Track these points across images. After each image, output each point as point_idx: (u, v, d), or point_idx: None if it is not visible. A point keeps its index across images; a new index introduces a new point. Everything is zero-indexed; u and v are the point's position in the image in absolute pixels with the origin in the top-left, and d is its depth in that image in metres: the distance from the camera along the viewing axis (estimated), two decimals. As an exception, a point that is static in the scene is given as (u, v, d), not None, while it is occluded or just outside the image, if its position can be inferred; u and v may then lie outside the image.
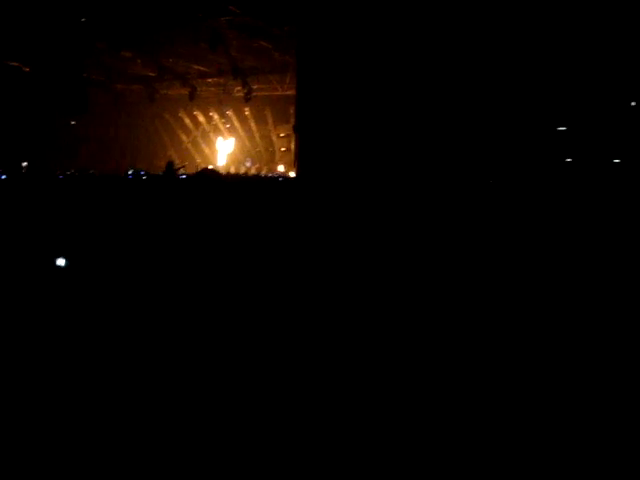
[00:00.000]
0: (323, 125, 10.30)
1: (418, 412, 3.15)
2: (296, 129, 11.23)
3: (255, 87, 20.69)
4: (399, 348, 4.09)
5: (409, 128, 9.39)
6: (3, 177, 11.34)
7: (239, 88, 20.85)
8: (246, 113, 23.14)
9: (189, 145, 25.61)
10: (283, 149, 23.17)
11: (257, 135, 24.09)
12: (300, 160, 10.83)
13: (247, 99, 20.74)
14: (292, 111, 16.91)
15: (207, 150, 25.74)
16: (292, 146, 19.04)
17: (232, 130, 24.66)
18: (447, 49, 9.09)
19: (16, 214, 8.13)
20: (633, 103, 8.46)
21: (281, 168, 22.89)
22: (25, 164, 21.10)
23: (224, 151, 25.46)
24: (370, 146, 9.90)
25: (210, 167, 14.77)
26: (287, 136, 21.72)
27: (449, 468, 2.64)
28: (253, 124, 23.60)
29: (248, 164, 24.02)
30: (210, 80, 21.37)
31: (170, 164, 11.75)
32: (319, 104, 10.51)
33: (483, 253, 6.26)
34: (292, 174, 17.71)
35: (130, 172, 15.13)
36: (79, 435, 2.85)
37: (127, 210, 8.58)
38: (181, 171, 13.59)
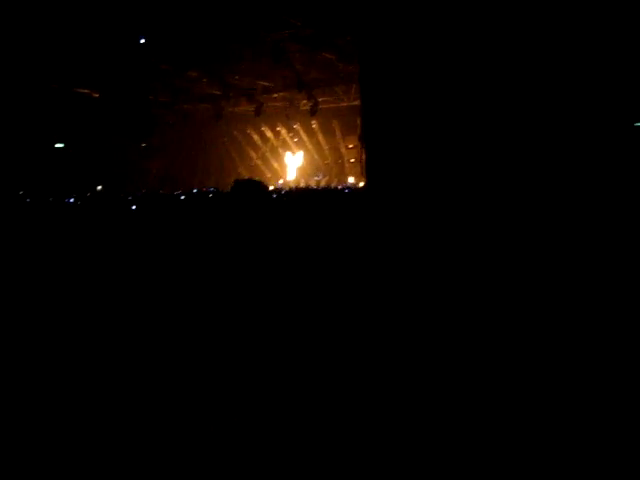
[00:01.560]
0: (391, 133, 9.91)
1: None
2: (363, 139, 10.87)
3: (321, 99, 20.46)
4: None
5: (482, 135, 8.90)
6: (71, 200, 11.43)
7: (305, 101, 20.64)
8: (313, 126, 22.96)
9: (258, 161, 25.56)
10: (352, 160, 22.88)
11: (325, 147, 23.89)
12: (368, 170, 10.47)
13: (313, 112, 20.51)
14: (359, 122, 16.56)
15: (276, 165, 25.67)
16: (361, 157, 18.73)
17: (300, 144, 24.52)
18: (519, 53, 8.58)
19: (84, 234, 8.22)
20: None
21: (351, 179, 22.62)
22: (99, 188, 21.52)
23: (293, 165, 25.34)
24: (440, 153, 9.45)
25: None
26: (356, 147, 21.35)
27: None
28: (321, 137, 23.41)
29: (318, 177, 23.85)
30: (276, 95, 21.21)
31: (237, 183, 11.60)
32: (385, 112, 10.13)
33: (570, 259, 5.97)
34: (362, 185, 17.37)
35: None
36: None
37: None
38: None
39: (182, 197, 13.91)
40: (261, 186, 11.43)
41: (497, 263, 6.14)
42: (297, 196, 12.06)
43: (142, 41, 15.01)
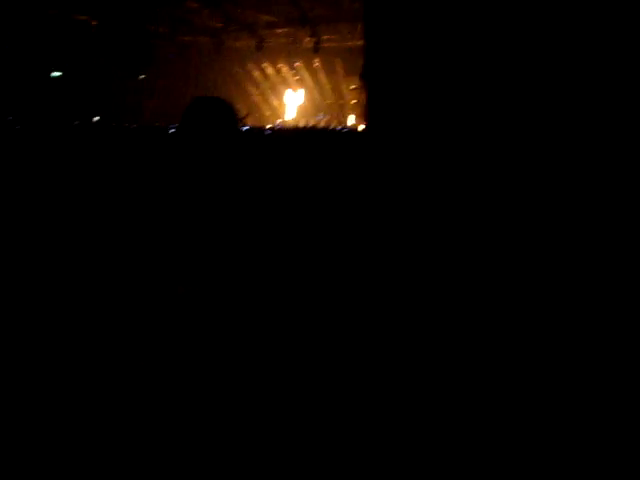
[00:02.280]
0: (393, 75, 9.58)
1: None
2: (364, 76, 10.53)
3: (325, 37, 19.93)
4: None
5: (488, 90, 8.63)
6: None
7: (308, 38, 20.13)
8: (316, 65, 22.46)
9: (257, 98, 25.09)
10: (354, 101, 22.45)
11: (327, 87, 23.44)
12: (370, 111, 10.17)
13: (316, 50, 20.03)
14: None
15: (276, 103, 25.21)
16: (362, 98, 18.42)
17: (301, 82, 24.03)
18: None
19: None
20: None
21: (352, 120, 22.32)
22: (97, 119, 21.10)
23: (293, 104, 24.90)
24: (444, 99, 9.18)
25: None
26: (358, 88, 20.94)
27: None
28: (323, 76, 22.93)
29: (318, 117, 23.50)
30: (279, 31, 20.66)
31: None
32: (388, 52, 9.78)
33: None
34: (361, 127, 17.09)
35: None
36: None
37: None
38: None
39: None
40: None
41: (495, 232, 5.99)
42: (286, 136, 11.70)
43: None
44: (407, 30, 9.74)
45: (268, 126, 20.81)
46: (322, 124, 22.62)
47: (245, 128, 12.16)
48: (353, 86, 22.02)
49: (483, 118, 8.60)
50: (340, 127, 18.98)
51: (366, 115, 11.06)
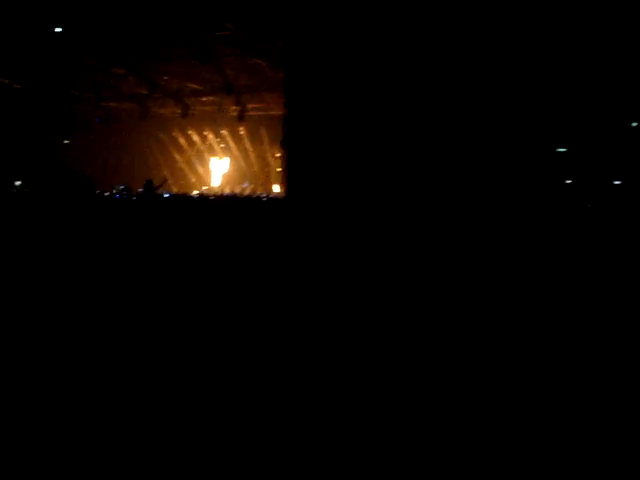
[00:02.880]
0: (313, 140, 9.85)
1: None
2: (284, 144, 10.77)
3: (250, 106, 20.32)
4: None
5: (401, 144, 8.98)
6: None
7: (234, 107, 20.44)
8: (241, 133, 22.75)
9: (183, 165, 25.11)
10: (279, 169, 22.71)
11: (252, 155, 23.70)
12: (289, 177, 10.37)
13: (241, 118, 20.34)
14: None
15: (202, 170, 25.28)
16: (283, 164, 18.70)
17: (227, 150, 24.26)
18: (435, 66, 8.74)
19: None
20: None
21: (277, 189, 22.47)
22: (18, 183, 20.68)
23: (219, 171, 25.00)
24: (362, 162, 9.45)
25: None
26: (283, 156, 21.23)
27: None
28: (248, 144, 23.22)
29: (244, 185, 23.60)
30: (204, 99, 20.93)
31: (149, 183, 11.24)
32: (307, 120, 10.09)
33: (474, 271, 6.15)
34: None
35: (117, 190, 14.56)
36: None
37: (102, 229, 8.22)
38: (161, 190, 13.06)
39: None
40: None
41: (418, 266, 6.19)
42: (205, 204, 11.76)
43: (58, 30, 14.47)
44: (324, 101, 10.05)
45: (194, 193, 20.87)
46: (247, 192, 22.75)
47: (166, 195, 12.18)
48: (278, 154, 22.35)
49: (389, 189, 8.87)
50: (260, 194, 19.23)
51: (285, 181, 11.25)
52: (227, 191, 22.76)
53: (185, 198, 13.53)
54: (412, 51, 8.78)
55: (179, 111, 21.47)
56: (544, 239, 6.97)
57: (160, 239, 8.03)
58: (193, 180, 24.97)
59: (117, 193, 12.24)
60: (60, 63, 17.42)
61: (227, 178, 24.86)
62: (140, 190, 11.83)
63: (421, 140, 8.77)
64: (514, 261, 6.36)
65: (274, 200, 13.04)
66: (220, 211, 10.59)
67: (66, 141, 22.98)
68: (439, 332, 4.47)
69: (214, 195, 17.11)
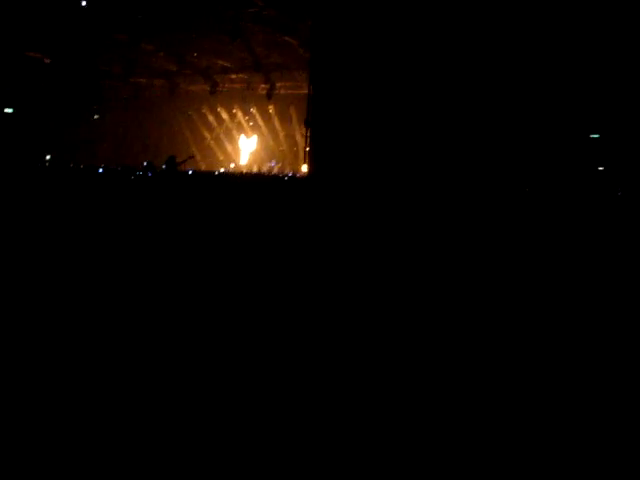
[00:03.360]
0: (336, 119, 9.75)
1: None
2: (308, 123, 10.67)
3: (279, 84, 20.15)
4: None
5: (422, 126, 8.86)
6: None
7: (263, 85, 20.28)
8: (270, 111, 22.58)
9: (211, 142, 25.04)
10: (307, 149, 22.52)
11: (281, 134, 23.53)
12: (313, 157, 10.27)
13: (269, 96, 20.20)
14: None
15: (230, 148, 25.19)
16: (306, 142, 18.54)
17: (256, 128, 24.10)
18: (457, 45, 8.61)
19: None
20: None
21: (305, 168, 22.32)
22: (49, 157, 20.80)
23: (247, 149, 24.88)
24: (385, 142, 9.33)
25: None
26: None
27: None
28: (277, 122, 23.04)
29: (272, 164, 23.48)
30: (234, 76, 20.81)
31: (171, 158, 11.14)
32: (333, 98, 10.01)
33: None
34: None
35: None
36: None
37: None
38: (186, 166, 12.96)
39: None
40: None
41: (436, 251, 6.14)
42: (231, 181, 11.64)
43: (84, 3, 14.40)
44: (349, 81, 9.93)
45: (221, 170, 20.79)
46: (275, 170, 22.63)
47: (190, 171, 12.08)
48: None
49: (407, 174, 8.77)
50: (287, 173, 19.09)
51: (309, 160, 11.14)
52: (255, 169, 22.67)
53: (207, 175, 13.39)
54: (432, 35, 8.65)
55: (208, 88, 21.39)
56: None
57: (180, 216, 7.99)
58: (221, 158, 24.90)
59: (140, 170, 12.17)
60: (90, 38, 17.39)
61: (255, 156, 24.75)
62: (163, 166, 11.75)
63: (441, 121, 8.65)
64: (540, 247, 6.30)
65: (297, 179, 12.88)
66: (243, 189, 10.46)
67: (96, 116, 23.06)
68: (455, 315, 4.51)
69: (238, 173, 17.01)
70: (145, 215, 8.01)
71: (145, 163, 13.25)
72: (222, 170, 21.00)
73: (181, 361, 3.63)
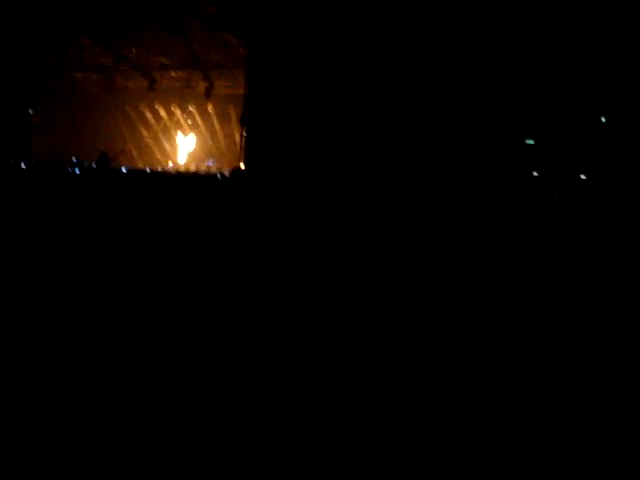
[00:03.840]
0: (273, 118, 9.78)
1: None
2: (244, 121, 10.71)
3: (219, 83, 20.03)
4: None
5: (358, 127, 8.97)
6: None
7: (201, 83, 20.15)
8: (209, 110, 22.46)
9: (149, 140, 24.74)
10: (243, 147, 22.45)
11: (220, 133, 23.40)
12: (247, 155, 10.28)
13: (208, 94, 20.08)
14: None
15: (168, 146, 24.92)
16: (240, 142, 18.51)
17: (194, 127, 23.91)
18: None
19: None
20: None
21: (242, 166, 22.24)
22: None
23: (185, 148, 24.68)
24: (319, 140, 9.39)
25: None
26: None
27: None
28: (216, 122, 22.93)
29: (209, 163, 23.34)
30: (172, 74, 20.57)
31: (103, 155, 10.98)
32: (269, 96, 10.03)
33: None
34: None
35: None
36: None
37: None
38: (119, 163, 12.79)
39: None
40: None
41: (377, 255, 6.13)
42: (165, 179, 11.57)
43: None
44: (286, 81, 9.95)
45: (159, 169, 20.57)
46: (213, 170, 22.50)
47: (123, 169, 11.93)
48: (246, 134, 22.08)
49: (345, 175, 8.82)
50: (219, 172, 19.01)
51: (244, 159, 11.14)
52: (192, 168, 22.49)
53: (141, 174, 13.26)
54: (368, 33, 8.75)
55: (146, 85, 21.12)
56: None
57: (111, 217, 7.85)
58: (159, 156, 24.61)
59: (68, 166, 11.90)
60: (25, 30, 17.00)
61: (193, 155, 24.54)
62: (93, 163, 11.54)
63: (381, 124, 8.74)
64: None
65: (228, 178, 12.85)
66: (176, 188, 10.41)
67: (31, 111, 22.51)
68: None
69: (171, 171, 16.87)
70: (68, 213, 7.85)
71: (74, 159, 13.01)
72: (158, 169, 20.79)
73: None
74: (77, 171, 11.45)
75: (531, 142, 8.31)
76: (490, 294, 5.27)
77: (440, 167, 8.48)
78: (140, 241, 7.01)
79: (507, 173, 8.24)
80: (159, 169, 19.51)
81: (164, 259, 6.36)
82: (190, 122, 23.86)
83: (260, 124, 10.26)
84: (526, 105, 8.25)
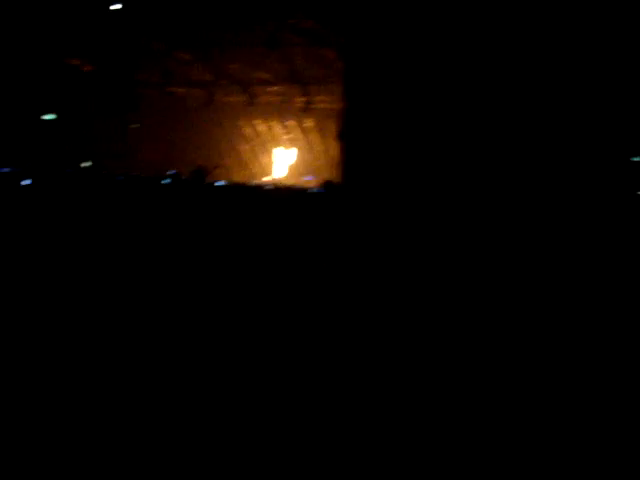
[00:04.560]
0: (370, 133, 9.50)
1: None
2: (342, 136, 10.48)
3: (317, 98, 19.82)
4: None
5: (457, 143, 8.60)
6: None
7: (300, 98, 20.00)
8: (307, 125, 22.32)
9: (247, 154, 24.84)
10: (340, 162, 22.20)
11: (318, 148, 23.23)
12: (344, 170, 10.05)
13: (306, 109, 19.91)
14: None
15: (266, 160, 24.96)
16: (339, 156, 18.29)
17: (293, 141, 23.84)
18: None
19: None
20: None
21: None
22: (86, 164, 20.77)
23: (283, 163, 24.65)
24: (417, 155, 9.10)
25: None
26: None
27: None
28: (314, 136, 22.77)
29: (308, 178, 23.22)
30: (271, 89, 20.54)
31: (199, 169, 10.83)
32: (367, 111, 9.76)
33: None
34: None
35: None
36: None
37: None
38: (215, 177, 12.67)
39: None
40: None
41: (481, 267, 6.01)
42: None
43: (115, 7, 14.20)
44: (384, 94, 9.62)
45: (255, 182, 20.57)
46: (312, 184, 22.33)
47: (218, 183, 11.77)
48: (345, 149, 21.81)
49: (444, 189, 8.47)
50: (315, 187, 18.73)
51: (341, 173, 10.84)
52: (291, 183, 22.41)
53: (237, 188, 13.11)
54: (472, 51, 8.40)
55: (245, 100, 21.16)
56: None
57: (205, 229, 7.87)
58: (256, 170, 24.67)
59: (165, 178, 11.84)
60: (128, 46, 17.31)
61: (292, 170, 24.48)
62: (187, 177, 11.44)
63: (479, 139, 8.35)
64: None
65: (325, 193, 12.55)
66: (273, 202, 10.23)
67: (134, 126, 22.99)
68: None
69: (270, 186, 16.72)
70: (164, 226, 7.91)
71: (172, 172, 12.96)
72: (255, 183, 20.80)
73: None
74: (170, 183, 11.39)
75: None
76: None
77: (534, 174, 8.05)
78: (231, 253, 7.10)
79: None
80: (254, 183, 19.53)
81: (256, 271, 6.43)
82: (288, 137, 23.80)
83: (357, 138, 10.02)
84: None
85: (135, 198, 9.42)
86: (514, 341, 4.10)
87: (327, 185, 10.53)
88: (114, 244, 6.92)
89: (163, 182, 11.14)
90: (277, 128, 23.67)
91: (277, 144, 24.43)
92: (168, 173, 13.06)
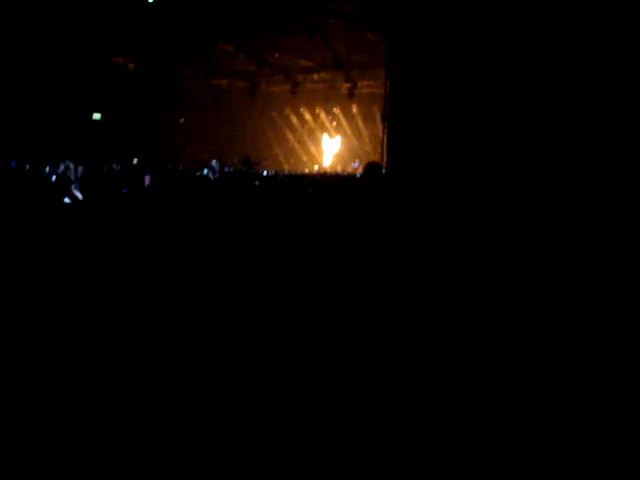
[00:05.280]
0: (415, 115, 9.30)
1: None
2: (385, 118, 10.30)
3: (362, 83, 19.61)
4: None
5: (501, 129, 8.38)
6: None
7: (345, 84, 19.82)
8: (353, 111, 22.10)
9: (295, 143, 24.75)
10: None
11: (365, 134, 22.97)
12: (390, 154, 9.84)
13: (351, 95, 19.70)
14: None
15: (313, 149, 24.84)
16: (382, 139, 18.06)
17: (339, 128, 23.64)
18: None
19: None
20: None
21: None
22: (135, 160, 21.01)
23: (330, 150, 24.48)
24: (463, 137, 8.86)
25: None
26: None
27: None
28: (360, 122, 22.53)
29: (355, 164, 23.02)
30: (315, 76, 20.41)
31: (247, 159, 10.79)
32: (410, 93, 9.55)
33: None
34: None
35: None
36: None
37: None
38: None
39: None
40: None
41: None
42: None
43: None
44: (427, 76, 9.41)
45: (305, 171, 20.51)
46: (360, 171, 22.11)
47: (264, 172, 11.69)
48: (392, 133, 21.55)
49: (487, 174, 8.25)
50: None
51: (386, 157, 10.65)
52: (338, 170, 22.26)
53: (281, 177, 13.09)
54: (514, 34, 8.20)
55: (289, 88, 21.10)
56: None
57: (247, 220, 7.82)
58: (305, 159, 24.57)
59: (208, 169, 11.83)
60: (170, 41, 17.36)
61: (339, 157, 24.30)
62: (230, 167, 11.42)
63: (522, 119, 8.14)
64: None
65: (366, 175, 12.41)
66: (319, 190, 10.14)
67: (182, 120, 23.13)
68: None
69: (314, 174, 16.60)
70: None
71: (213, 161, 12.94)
72: (305, 171, 20.69)
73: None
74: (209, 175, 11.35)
75: None
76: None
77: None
78: (270, 244, 6.97)
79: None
80: (301, 172, 19.43)
81: (296, 260, 6.26)
82: (335, 123, 23.62)
83: (402, 121, 9.80)
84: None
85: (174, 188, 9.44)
86: (519, 339, 3.90)
87: (368, 166, 10.41)
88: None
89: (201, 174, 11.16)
90: (322, 115, 23.51)
91: (323, 131, 24.28)
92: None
